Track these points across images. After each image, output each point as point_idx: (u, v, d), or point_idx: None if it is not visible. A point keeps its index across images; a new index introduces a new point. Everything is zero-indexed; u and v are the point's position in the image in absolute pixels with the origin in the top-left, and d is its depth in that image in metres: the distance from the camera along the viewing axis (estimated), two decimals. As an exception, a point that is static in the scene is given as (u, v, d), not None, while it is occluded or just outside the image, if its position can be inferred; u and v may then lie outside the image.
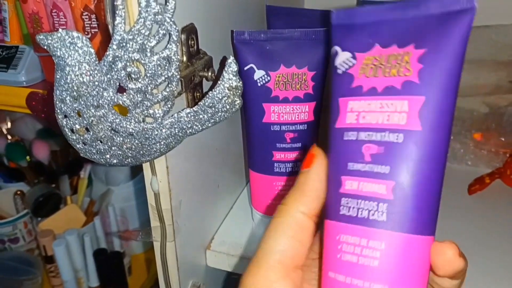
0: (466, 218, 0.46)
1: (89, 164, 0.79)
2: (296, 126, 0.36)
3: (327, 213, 0.23)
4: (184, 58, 0.32)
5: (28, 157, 0.79)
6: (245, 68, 0.35)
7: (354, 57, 0.23)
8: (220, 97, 0.30)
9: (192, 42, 0.32)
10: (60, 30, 0.26)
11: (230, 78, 0.29)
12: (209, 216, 0.42)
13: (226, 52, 0.37)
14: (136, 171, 0.81)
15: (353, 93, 0.22)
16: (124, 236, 0.67)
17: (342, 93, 0.23)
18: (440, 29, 0.21)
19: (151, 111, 0.29)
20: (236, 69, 0.29)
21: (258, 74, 0.35)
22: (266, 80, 0.35)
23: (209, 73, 0.33)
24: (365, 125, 0.22)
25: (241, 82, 0.30)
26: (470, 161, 0.56)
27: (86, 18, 0.38)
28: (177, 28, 0.27)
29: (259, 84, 0.35)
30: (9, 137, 0.88)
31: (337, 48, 0.23)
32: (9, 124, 0.86)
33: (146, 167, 0.32)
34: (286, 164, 0.38)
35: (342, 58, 0.23)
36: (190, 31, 0.31)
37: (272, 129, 0.36)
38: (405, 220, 0.20)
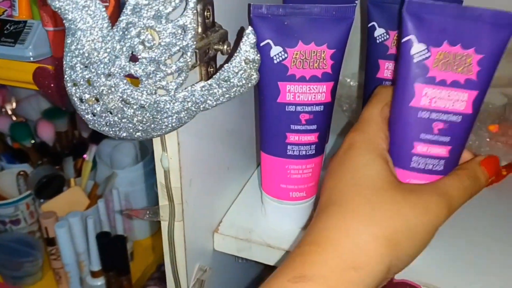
0: (482, 211, 0.44)
1: (94, 146, 0.78)
2: (312, 107, 0.35)
3: (397, 163, 0.31)
4: (199, 29, 0.30)
5: (32, 138, 0.78)
6: (262, 44, 0.34)
7: (428, 50, 0.29)
8: (236, 71, 0.28)
9: (208, 13, 0.31)
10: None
11: (247, 50, 0.28)
12: (218, 199, 0.40)
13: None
14: (142, 155, 0.80)
15: (428, 82, 0.30)
16: (130, 214, 0.66)
17: (418, 80, 0.30)
18: (493, 37, 0.29)
19: (163, 83, 0.28)
20: (254, 40, 0.28)
21: (275, 50, 0.33)
22: (283, 57, 0.33)
23: (225, 47, 0.31)
24: (436, 107, 0.30)
25: (259, 55, 0.28)
26: (485, 153, 0.55)
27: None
28: (194, -5, 0.26)
29: (275, 62, 0.34)
30: (14, 118, 0.87)
31: (413, 38, 0.29)
32: (14, 104, 0.85)
33: (156, 142, 0.31)
34: (299, 147, 0.36)
35: (418, 49, 0.29)
36: (206, 1, 0.30)
37: (286, 109, 0.35)
38: (452, 167, 0.32)
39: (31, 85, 0.49)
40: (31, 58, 0.48)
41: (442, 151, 0.31)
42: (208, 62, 0.32)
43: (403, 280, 0.35)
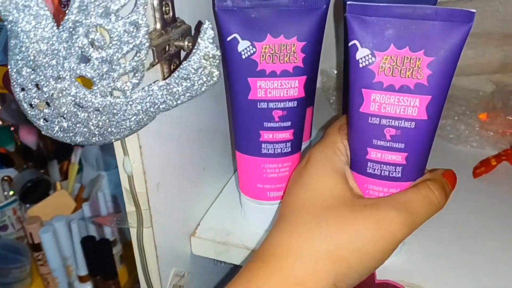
0: (471, 202, 0.43)
1: (80, 148, 0.77)
2: (285, 103, 0.33)
3: (354, 168, 0.31)
4: (158, 26, 0.28)
5: (16, 142, 0.77)
6: (228, 39, 0.32)
7: (373, 55, 0.28)
8: (196, 68, 0.27)
9: (167, 8, 0.29)
10: (12, -10, 0.23)
11: (206, 46, 0.26)
12: (194, 201, 0.39)
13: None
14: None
15: (375, 87, 0.28)
16: (97, 222, 0.65)
17: (364, 85, 0.28)
18: (445, 38, 0.26)
19: (118, 84, 0.26)
20: (213, 35, 0.26)
21: (243, 45, 0.32)
22: (252, 51, 0.32)
23: (186, 43, 0.30)
24: (386, 113, 0.28)
25: (219, 51, 0.27)
26: (475, 142, 0.53)
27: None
28: (144, -11, 0.24)
29: (243, 57, 0.32)
30: (0, 122, 0.85)
31: (356, 43, 0.28)
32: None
33: (117, 147, 0.30)
34: (274, 145, 0.35)
35: (362, 54, 0.28)
36: (163, -4, 0.28)
37: (258, 106, 0.33)
38: (412, 175, 0.30)
39: (2, 90, 0.47)
40: (2, 61, 0.47)
41: (397, 157, 0.29)
42: (171, 60, 0.30)
43: (385, 280, 0.34)
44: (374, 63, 0.28)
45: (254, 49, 0.32)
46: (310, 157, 0.31)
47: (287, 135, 0.34)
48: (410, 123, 0.28)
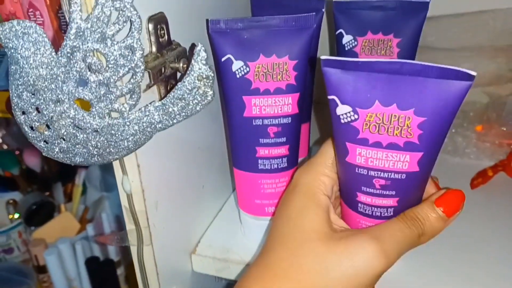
0: (469, 213, 0.43)
1: (83, 170, 0.78)
2: (279, 119, 0.34)
3: (346, 203, 0.30)
4: (153, 49, 0.30)
5: (21, 166, 0.78)
6: (223, 60, 0.33)
7: (355, 112, 0.25)
8: (190, 88, 0.28)
9: (162, 32, 0.30)
10: (12, 20, 0.25)
11: (200, 68, 0.27)
12: (193, 219, 0.39)
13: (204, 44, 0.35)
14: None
15: (360, 143, 0.26)
16: (99, 241, 0.65)
17: (348, 140, 0.26)
18: (438, 96, 0.23)
19: (116, 105, 0.27)
20: (205, 56, 0.27)
21: (236, 65, 0.33)
22: (245, 71, 0.33)
23: (181, 64, 0.31)
24: (374, 167, 0.26)
25: (212, 71, 0.28)
26: (472, 154, 0.54)
27: (62, 17, 0.37)
28: (138, 14, 0.25)
29: (237, 76, 0.33)
30: (5, 146, 0.87)
31: (335, 99, 0.25)
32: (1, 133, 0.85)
33: (116, 166, 0.30)
34: (270, 160, 0.35)
35: (343, 111, 0.26)
36: (158, 20, 0.29)
37: (254, 123, 0.34)
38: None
39: (5, 114, 0.48)
40: (4, 87, 0.48)
41: (389, 202, 0.28)
42: (167, 81, 0.31)
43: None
44: (357, 120, 0.25)
45: (248, 69, 0.33)
46: (295, 187, 0.30)
47: (282, 150, 0.35)
48: (401, 175, 0.26)
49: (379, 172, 0.26)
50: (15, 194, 0.79)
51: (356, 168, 0.27)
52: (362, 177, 0.27)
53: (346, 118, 0.26)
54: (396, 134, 0.25)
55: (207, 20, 0.34)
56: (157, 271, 0.34)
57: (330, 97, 0.26)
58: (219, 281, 0.45)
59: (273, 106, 0.34)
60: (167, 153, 0.33)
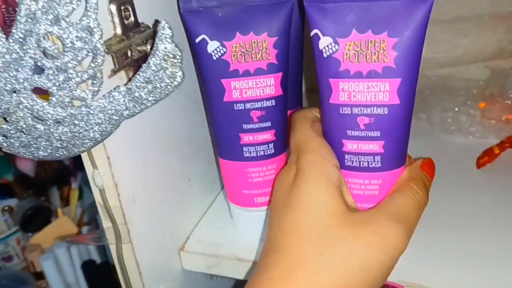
0: (476, 194, 0.41)
1: (79, 173, 0.76)
2: (262, 102, 0.32)
3: None
4: (118, 31, 0.27)
5: (15, 171, 0.77)
6: (197, 41, 0.31)
7: (336, 42, 0.27)
8: (156, 70, 0.26)
9: (127, 13, 0.28)
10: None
11: (165, 46, 0.25)
12: (181, 214, 0.37)
13: (177, 25, 0.33)
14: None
15: (342, 76, 0.27)
16: (74, 241, 0.63)
17: (331, 75, 0.27)
18: (407, 16, 0.25)
19: (77, 93, 0.25)
20: (171, 34, 0.25)
21: (212, 46, 0.30)
22: (222, 52, 0.30)
23: (149, 47, 0.28)
24: (356, 102, 0.27)
25: (180, 50, 0.25)
26: (477, 133, 0.51)
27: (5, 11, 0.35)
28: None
29: (214, 58, 0.31)
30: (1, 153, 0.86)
31: (317, 32, 0.27)
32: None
33: (85, 159, 0.28)
34: (256, 147, 0.33)
35: (325, 43, 0.27)
36: (122, 1, 0.27)
37: (235, 108, 0.32)
38: (392, 163, 0.28)
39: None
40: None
41: (374, 147, 0.28)
42: (136, 65, 0.29)
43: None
44: (338, 51, 0.27)
45: (224, 49, 0.30)
46: (299, 170, 0.27)
47: (268, 136, 0.33)
48: (383, 109, 0.27)
49: (362, 108, 0.27)
50: (12, 200, 0.78)
51: (340, 108, 0.27)
52: (346, 119, 0.28)
53: (328, 50, 0.27)
54: (374, 60, 0.26)
55: (177, 0, 0.31)
56: (140, 270, 0.32)
57: (312, 32, 0.27)
58: (211, 279, 0.43)
59: (254, 88, 0.31)
60: (143, 144, 0.31)
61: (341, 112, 0.28)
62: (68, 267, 0.66)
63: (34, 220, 0.72)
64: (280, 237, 0.26)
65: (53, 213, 0.75)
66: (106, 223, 0.30)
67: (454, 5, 0.46)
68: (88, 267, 0.65)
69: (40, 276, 0.68)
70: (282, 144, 0.34)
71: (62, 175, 0.77)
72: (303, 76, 0.42)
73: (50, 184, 0.75)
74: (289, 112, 0.35)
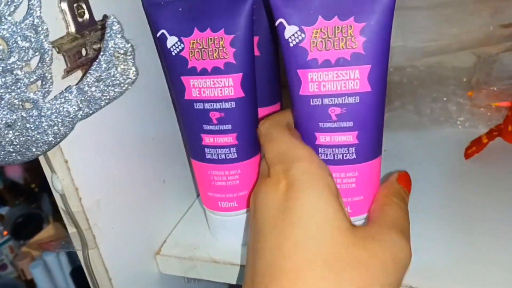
0: (465, 185, 0.39)
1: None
2: (221, 103, 0.30)
3: None
4: (72, 30, 0.26)
5: (5, 179, 0.76)
6: (158, 35, 0.30)
7: (302, 31, 0.26)
8: (107, 67, 0.25)
9: (81, 10, 0.27)
10: None
11: (115, 43, 0.24)
12: (156, 217, 0.36)
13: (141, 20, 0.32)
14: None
15: (310, 66, 0.26)
16: (41, 247, 0.63)
17: (299, 65, 0.26)
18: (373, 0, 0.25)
19: (26, 95, 0.24)
20: (120, 29, 0.24)
21: (171, 41, 0.30)
22: (180, 48, 0.29)
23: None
24: (327, 92, 0.26)
25: (130, 44, 0.24)
26: (467, 122, 0.49)
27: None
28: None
29: (173, 54, 0.30)
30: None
31: (282, 21, 0.26)
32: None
33: (43, 164, 0.27)
34: (217, 149, 0.31)
35: (291, 32, 0.26)
36: (74, -2, 0.26)
37: (195, 107, 0.30)
38: (368, 153, 0.28)
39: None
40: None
41: (348, 138, 0.27)
42: (91, 64, 0.28)
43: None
44: (305, 39, 0.26)
45: (182, 45, 0.29)
46: (293, 182, 0.24)
47: (229, 139, 0.31)
48: (354, 98, 0.26)
49: (333, 98, 0.26)
50: (4, 209, 0.77)
51: (311, 100, 0.27)
52: (317, 110, 0.27)
53: (295, 39, 0.26)
54: (342, 47, 0.25)
55: (140, -8, 0.30)
56: (109, 276, 0.31)
57: (277, 21, 0.26)
58: (189, 282, 0.42)
59: (212, 88, 0.30)
60: (105, 145, 0.30)
61: (311, 103, 0.27)
62: (58, 274, 0.65)
63: (26, 227, 0.72)
64: (282, 259, 0.22)
65: (45, 219, 0.75)
66: (70, 229, 0.29)
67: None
68: (77, 273, 0.65)
69: (30, 284, 0.68)
70: (247, 149, 0.32)
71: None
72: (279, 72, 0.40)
73: (41, 191, 0.75)
74: (262, 111, 0.34)
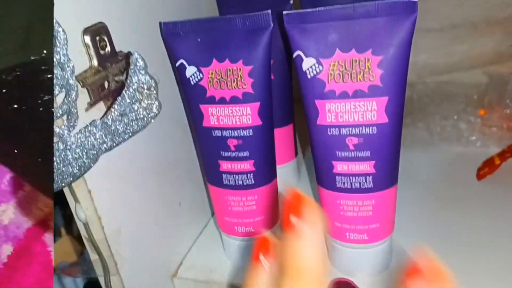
0: (477, 208, 0.39)
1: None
2: (239, 131, 0.31)
3: (323, 185, 0.29)
4: (94, 63, 0.27)
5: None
6: (177, 65, 0.31)
7: (319, 63, 0.26)
8: (131, 102, 0.25)
9: (103, 43, 0.28)
10: None
11: (138, 78, 0.25)
12: (172, 239, 0.37)
13: (160, 52, 0.32)
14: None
15: (328, 97, 0.26)
16: (64, 273, 0.63)
17: (317, 96, 0.27)
18: (390, 33, 0.25)
19: (54, 129, 0.25)
20: (144, 65, 0.25)
21: (190, 71, 0.30)
22: (199, 77, 0.30)
23: (125, 77, 0.28)
24: (344, 122, 0.27)
25: (154, 80, 0.25)
26: (478, 142, 0.50)
27: None
28: (61, 27, 0.23)
29: (192, 83, 0.30)
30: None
31: (300, 53, 0.27)
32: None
33: (67, 194, 0.28)
34: (234, 176, 0.32)
35: (309, 64, 0.27)
36: (97, 32, 0.27)
37: (213, 134, 0.31)
38: (384, 182, 0.28)
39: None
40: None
41: (365, 167, 0.27)
42: (114, 97, 0.28)
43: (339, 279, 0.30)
44: (322, 71, 0.26)
45: (201, 75, 0.30)
46: None
47: (246, 165, 0.32)
48: (372, 129, 0.26)
49: (351, 128, 0.27)
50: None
51: (328, 130, 0.27)
52: (335, 140, 0.27)
53: (312, 71, 0.26)
54: (360, 79, 0.25)
55: (160, 23, 0.31)
56: (129, 301, 0.31)
57: (295, 53, 0.27)
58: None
59: (230, 116, 0.30)
60: (125, 173, 0.30)
61: (329, 133, 0.27)
62: (71, 287, 0.66)
63: (38, 241, 0.72)
64: None
65: (57, 232, 0.75)
66: (93, 256, 0.30)
67: (448, 13, 0.45)
68: (91, 286, 0.65)
69: (44, 297, 0.68)
70: (265, 174, 0.32)
71: (63, 194, 0.77)
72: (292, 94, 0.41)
73: (53, 204, 0.75)
74: (275, 131, 0.34)
